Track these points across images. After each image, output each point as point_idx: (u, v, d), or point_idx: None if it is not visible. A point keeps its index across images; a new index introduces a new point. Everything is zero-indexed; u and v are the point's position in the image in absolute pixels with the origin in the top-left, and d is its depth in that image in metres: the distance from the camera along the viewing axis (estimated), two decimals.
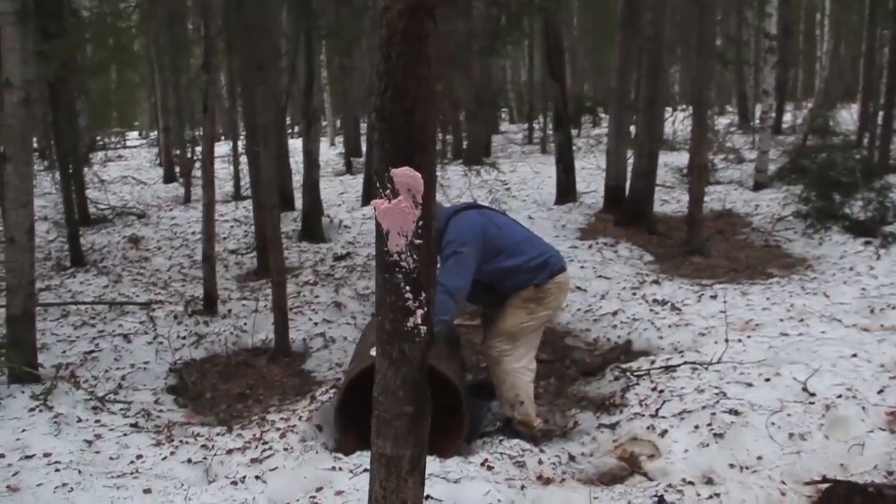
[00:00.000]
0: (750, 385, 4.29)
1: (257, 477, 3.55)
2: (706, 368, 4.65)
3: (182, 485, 3.53)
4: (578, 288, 6.89)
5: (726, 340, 5.03)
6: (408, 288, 2.36)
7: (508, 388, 4.16)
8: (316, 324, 6.20)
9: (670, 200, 10.81)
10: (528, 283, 4.07)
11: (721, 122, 18.37)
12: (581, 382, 5.09)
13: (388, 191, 2.32)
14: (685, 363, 4.78)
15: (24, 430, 4.15)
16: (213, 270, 6.53)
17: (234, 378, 5.36)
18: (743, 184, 11.90)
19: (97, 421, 4.44)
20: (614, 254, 8.07)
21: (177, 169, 15.92)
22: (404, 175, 2.28)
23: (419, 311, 2.38)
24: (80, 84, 11.27)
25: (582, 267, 7.47)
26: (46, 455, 3.85)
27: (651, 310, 6.11)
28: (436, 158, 2.32)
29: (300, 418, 4.25)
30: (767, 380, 4.34)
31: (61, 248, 9.48)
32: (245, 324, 6.23)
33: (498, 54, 8.21)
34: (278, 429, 4.10)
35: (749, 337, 5.20)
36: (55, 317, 6.59)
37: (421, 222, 2.33)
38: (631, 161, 9.31)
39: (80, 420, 4.40)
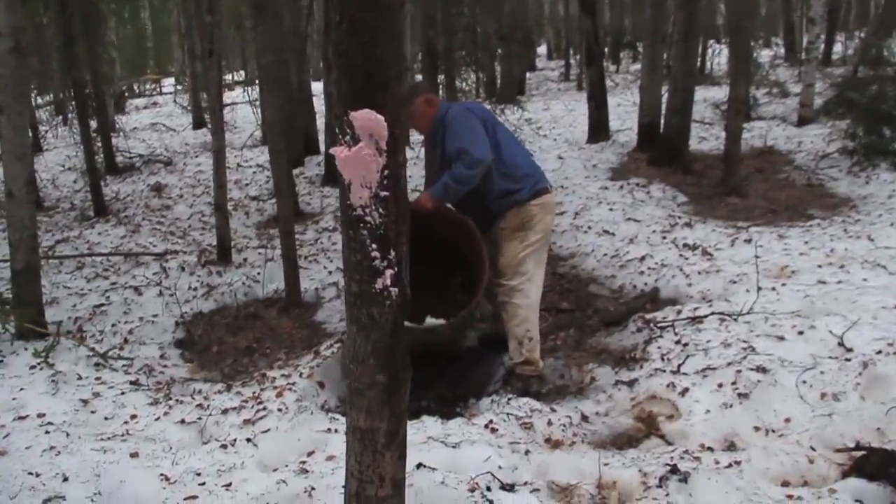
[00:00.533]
0: (781, 339, 3.98)
1: (248, 440, 3.38)
2: (735, 319, 4.34)
3: (171, 448, 3.37)
4: (606, 231, 6.58)
5: (758, 289, 4.71)
6: (374, 246, 2.10)
7: (519, 323, 4.08)
8: (330, 272, 6.01)
9: (709, 137, 10.28)
10: (512, 199, 4.02)
11: (766, 55, 17.48)
12: (602, 333, 4.82)
13: (347, 137, 2.05)
14: (713, 314, 4.47)
15: (21, 389, 4.05)
16: (225, 219, 6.35)
17: (243, 331, 5.21)
18: (786, 119, 11.25)
19: (98, 378, 4.33)
20: (646, 195, 7.68)
21: (206, 115, 15.74)
22: (365, 119, 2.00)
23: (388, 272, 2.13)
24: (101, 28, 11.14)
25: (611, 209, 7.13)
26: (40, 415, 3.74)
27: (681, 255, 5.77)
28: (405, 98, 2.04)
29: (301, 375, 4.08)
30: (801, 333, 4.02)
31: (86, 198, 9.40)
32: (258, 273, 6.07)
33: None
34: (276, 387, 3.93)
35: (783, 285, 4.85)
36: (70, 269, 6.51)
37: (387, 172, 2.06)
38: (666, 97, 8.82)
39: (80, 378, 4.30)
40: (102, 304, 5.55)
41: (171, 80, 30.25)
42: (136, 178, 10.74)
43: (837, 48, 18.02)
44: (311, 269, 6.12)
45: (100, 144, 11.49)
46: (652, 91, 9.08)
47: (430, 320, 4.11)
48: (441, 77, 7.56)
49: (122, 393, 4.10)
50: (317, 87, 13.25)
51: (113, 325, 5.20)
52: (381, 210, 2.06)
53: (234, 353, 4.90)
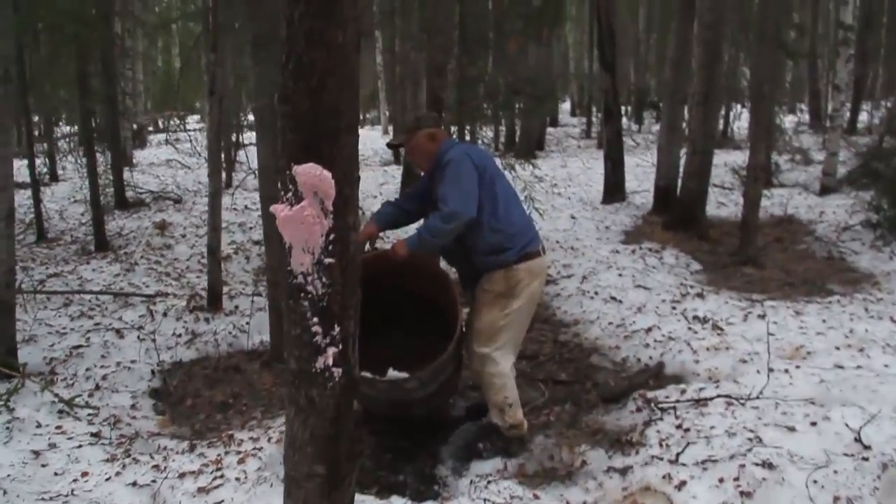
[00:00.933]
0: (792, 430, 3.64)
1: None
2: (742, 404, 4.00)
3: None
4: (613, 298, 6.27)
5: (770, 371, 4.37)
6: (315, 319, 1.84)
7: (497, 391, 3.87)
8: None
9: (728, 203, 10.00)
10: (500, 258, 3.76)
11: (790, 120, 17.26)
12: (600, 410, 4.48)
13: (289, 193, 1.80)
14: (719, 396, 4.13)
15: None
16: (217, 264, 6.13)
17: (221, 384, 4.92)
18: (808, 187, 10.95)
19: (58, 427, 4.08)
20: (658, 261, 7.39)
21: (223, 154, 15.71)
22: (309, 174, 1.75)
23: (331, 350, 1.87)
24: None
25: (620, 275, 6.83)
26: None
27: (690, 328, 5.44)
28: (355, 153, 1.79)
29: (269, 439, 3.79)
30: (814, 424, 3.68)
31: (90, 231, 9.25)
32: (247, 323, 5.80)
33: (531, 37, 7.55)
34: (240, 452, 3.64)
35: (797, 367, 4.49)
36: (56, 305, 6.30)
37: (333, 236, 1.80)
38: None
39: (38, 426, 4.06)
40: (81, 346, 5.31)
41: (197, 116, 30.56)
42: (143, 214, 10.60)
43: (863, 117, 17.75)
44: None
45: (111, 178, 11.48)
46: (670, 153, 8.85)
47: (393, 373, 3.83)
48: (454, 129, 7.38)
49: (80, 446, 3.84)
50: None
51: (87, 369, 4.95)
52: (324, 279, 1.81)
53: (209, 408, 4.61)
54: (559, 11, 7.31)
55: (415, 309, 4.31)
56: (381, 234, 4.51)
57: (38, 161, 10.05)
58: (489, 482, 3.44)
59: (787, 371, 4.42)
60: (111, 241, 8.80)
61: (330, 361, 1.83)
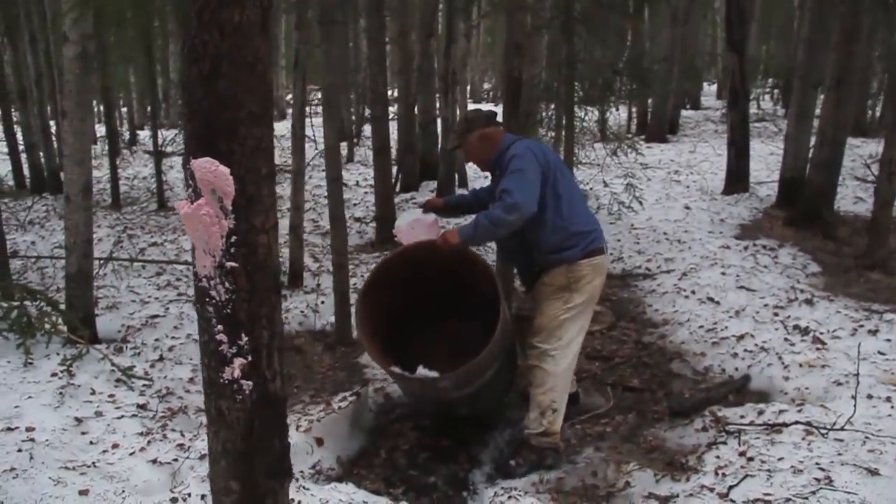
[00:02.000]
0: (874, 473, 3.12)
1: (203, 497, 3.04)
2: (824, 435, 3.50)
3: (123, 491, 3.10)
4: (710, 299, 5.76)
5: (868, 397, 3.84)
6: (220, 327, 1.67)
7: (546, 391, 3.71)
8: None
9: (866, 199, 8.97)
10: (563, 255, 3.67)
11: None
12: (665, 424, 4.09)
13: (190, 189, 1.64)
14: (797, 423, 3.64)
15: (29, 397, 3.95)
16: (299, 242, 6.14)
17: None
18: None
19: (110, 396, 4.17)
20: (771, 259, 6.73)
21: (352, 128, 16.00)
22: (203, 169, 1.57)
23: (237, 361, 1.69)
24: None
25: (723, 273, 6.26)
26: (29, 429, 3.60)
27: (787, 338, 4.88)
28: (263, 146, 1.59)
29: (297, 428, 3.70)
30: None
31: None
32: (322, 302, 5.79)
33: (632, 15, 6.99)
34: None
35: None
36: (150, 274, 6.55)
37: (236, 238, 1.62)
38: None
39: (92, 392, 4.16)
40: (158, 316, 5.46)
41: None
42: None
43: None
44: None
45: None
46: (798, 141, 8.03)
47: (422, 371, 3.63)
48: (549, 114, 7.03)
49: (121, 417, 3.89)
50: None
51: (157, 339, 5.06)
52: (227, 285, 1.62)
53: None
54: None
55: (468, 298, 4.12)
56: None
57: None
58: (510, 496, 3.18)
59: (888, 399, 3.84)
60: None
61: (237, 373, 1.66)
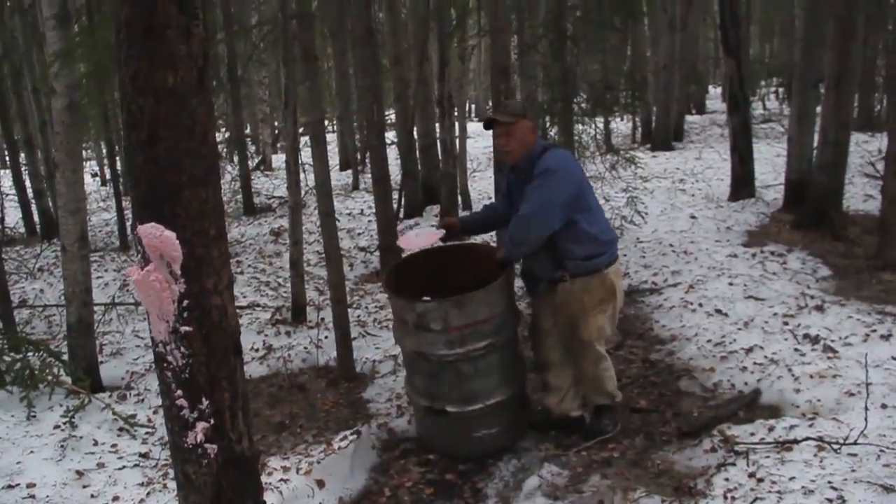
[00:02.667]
0: (889, 490, 3.02)
1: None
2: (837, 450, 3.40)
3: None
4: (718, 311, 5.66)
5: (883, 407, 3.74)
6: (179, 392, 1.64)
7: (608, 381, 4.10)
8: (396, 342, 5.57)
9: (876, 196, 8.82)
10: (594, 263, 3.82)
11: None
12: (673, 446, 3.99)
13: (139, 255, 1.61)
14: (808, 439, 3.54)
15: (31, 452, 3.95)
16: (300, 277, 6.12)
17: (282, 403, 4.86)
18: None
19: (113, 446, 4.16)
20: (780, 266, 6.62)
21: (357, 155, 16.03)
22: (150, 234, 1.54)
23: (200, 425, 1.65)
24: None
25: (731, 283, 6.16)
26: (30, 485, 3.60)
27: (797, 349, 4.77)
28: (210, 207, 1.56)
29: (299, 470, 3.65)
30: None
31: None
32: (326, 337, 5.75)
33: (619, 29, 6.94)
34: (266, 485, 3.52)
35: None
36: None
37: (188, 302, 1.59)
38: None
39: (95, 443, 4.15)
40: None
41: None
42: (265, 220, 10.96)
43: None
44: (379, 337, 5.71)
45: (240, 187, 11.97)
46: (801, 143, 7.94)
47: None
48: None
49: (123, 467, 3.88)
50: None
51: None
52: (183, 349, 1.59)
53: (265, 429, 4.55)
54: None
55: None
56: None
57: None
58: None
59: None
60: (229, 250, 9.11)
61: (200, 437, 1.62)
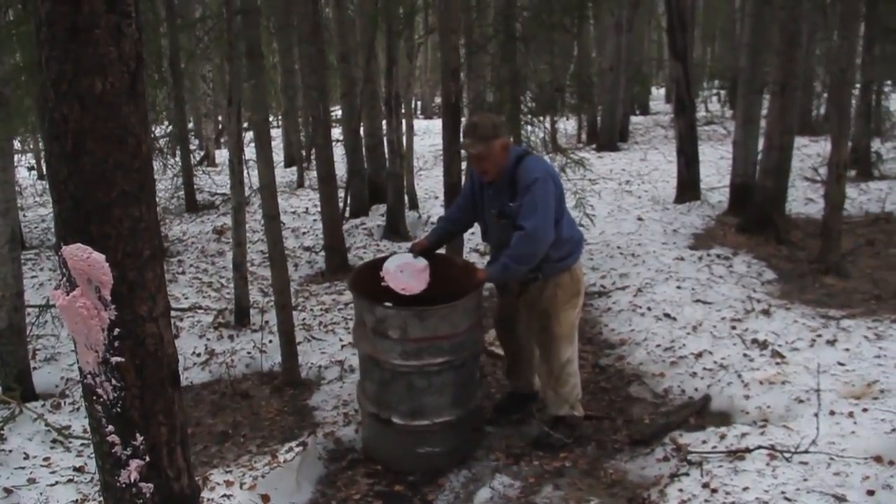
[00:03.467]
0: (841, 500, 3.04)
1: None
2: (788, 459, 3.41)
3: None
4: (666, 315, 5.67)
5: (831, 413, 3.77)
6: (111, 427, 1.49)
7: (572, 387, 4.05)
8: (343, 347, 5.42)
9: (817, 199, 9.03)
10: (564, 263, 3.89)
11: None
12: (626, 455, 3.97)
13: (65, 279, 1.45)
14: (760, 448, 3.54)
15: None
16: (243, 280, 5.92)
17: (225, 411, 4.68)
18: None
19: (45, 460, 3.94)
20: (726, 269, 6.68)
21: (302, 152, 15.73)
22: (76, 257, 1.39)
23: (134, 462, 1.51)
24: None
25: (679, 287, 6.19)
26: None
27: (745, 354, 4.80)
28: (144, 226, 1.42)
29: (242, 485, 3.49)
30: (871, 493, 3.07)
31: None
32: (270, 342, 5.57)
33: (570, 30, 6.91)
34: (209, 501, 3.36)
35: (864, 410, 3.81)
36: None
37: (119, 331, 1.44)
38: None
39: (26, 457, 3.93)
40: None
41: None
42: (208, 217, 10.65)
43: None
44: (324, 342, 5.56)
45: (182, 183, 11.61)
46: (746, 147, 8.04)
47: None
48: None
49: (56, 483, 3.67)
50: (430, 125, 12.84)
51: None
52: (114, 381, 1.44)
53: (207, 439, 4.37)
54: (596, 2, 6.61)
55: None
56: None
57: None
58: None
59: (850, 415, 3.77)
60: (170, 248, 8.82)
61: (135, 476, 1.49)
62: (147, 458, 1.50)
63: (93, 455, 3.78)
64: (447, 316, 3.65)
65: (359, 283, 3.91)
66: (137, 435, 1.48)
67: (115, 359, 1.44)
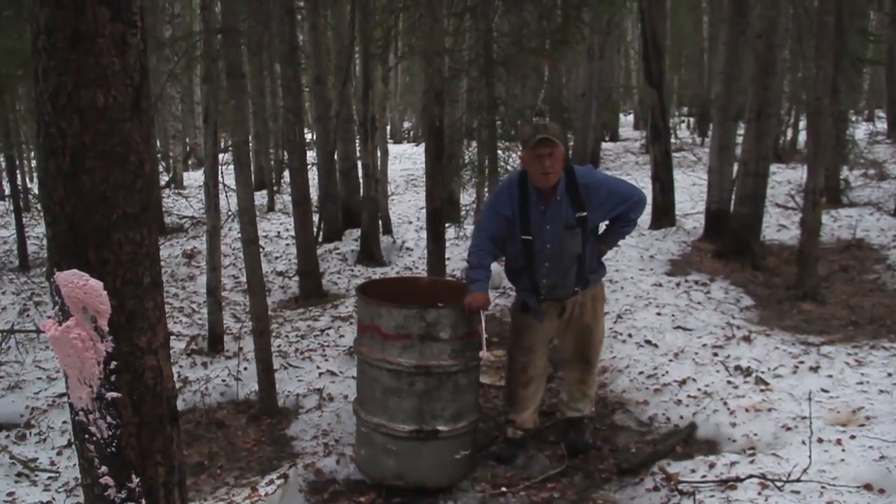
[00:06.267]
0: None
1: None
2: (780, 487, 3.35)
3: None
4: (648, 342, 5.64)
5: (818, 441, 3.73)
6: (104, 469, 1.37)
7: (595, 386, 4.48)
8: (321, 374, 5.29)
9: (790, 226, 9.15)
10: (599, 271, 4.15)
11: (864, 130, 15.99)
12: (614, 484, 3.89)
13: (57, 307, 1.35)
14: (751, 477, 3.49)
15: None
16: (217, 306, 5.77)
17: (200, 442, 4.52)
18: (882, 207, 9.96)
19: (9, 495, 3.75)
20: (704, 295, 6.69)
21: (272, 175, 15.57)
22: (71, 284, 1.28)
23: None
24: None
25: (659, 313, 6.17)
26: None
27: (729, 381, 4.77)
28: (144, 251, 1.32)
29: None
30: None
31: None
32: (245, 369, 5.41)
33: (550, 55, 6.93)
34: None
35: (852, 438, 3.79)
36: None
37: (116, 364, 1.34)
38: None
39: None
40: (65, 394, 5.01)
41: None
42: (177, 240, 10.45)
43: None
44: (302, 368, 5.42)
45: None
46: (721, 174, 8.11)
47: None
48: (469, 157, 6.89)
49: None
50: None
51: (65, 422, 4.61)
52: (109, 419, 1.33)
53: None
54: (580, 28, 6.65)
55: None
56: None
57: None
58: None
59: (838, 442, 3.73)
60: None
61: None
62: (143, 502, 1.39)
63: (61, 489, 3.67)
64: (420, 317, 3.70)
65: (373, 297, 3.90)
66: (133, 476, 1.37)
67: (110, 394, 1.34)
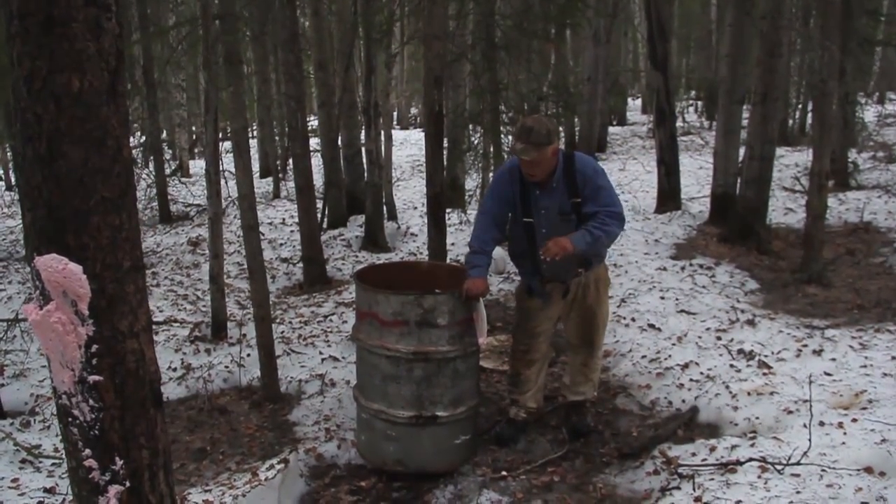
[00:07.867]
0: None
1: None
2: (780, 471, 3.35)
3: None
4: (651, 326, 5.63)
5: (820, 424, 3.72)
6: (88, 451, 1.38)
7: (599, 370, 4.41)
8: (323, 360, 5.31)
9: (796, 209, 9.08)
10: (601, 256, 4.10)
11: (874, 112, 15.82)
12: (615, 468, 3.90)
13: (38, 291, 1.35)
14: (751, 460, 3.48)
15: None
16: (220, 293, 5.79)
17: (202, 428, 4.55)
18: (890, 190, 9.88)
19: (14, 481, 3.78)
20: (709, 279, 6.66)
21: (277, 162, 15.57)
22: (50, 268, 1.29)
23: (113, 489, 1.41)
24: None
25: (663, 297, 6.15)
26: None
27: (732, 364, 4.76)
28: (123, 235, 1.32)
29: None
30: None
31: None
32: (248, 355, 5.44)
33: (552, 39, 6.89)
34: None
35: (854, 421, 3.78)
36: None
37: (97, 347, 1.35)
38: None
39: None
40: None
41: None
42: (182, 228, 10.48)
43: None
44: (305, 354, 5.43)
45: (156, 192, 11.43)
46: (727, 157, 8.06)
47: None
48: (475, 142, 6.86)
49: None
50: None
51: None
52: (91, 402, 1.34)
53: (184, 456, 4.24)
54: (578, 9, 6.57)
55: None
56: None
57: None
58: None
59: (840, 425, 3.72)
60: (144, 260, 8.64)
61: (113, 503, 1.38)
62: (127, 484, 1.41)
63: (65, 476, 3.70)
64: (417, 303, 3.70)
65: (371, 284, 3.89)
66: (117, 459, 1.38)
67: (92, 377, 1.34)
